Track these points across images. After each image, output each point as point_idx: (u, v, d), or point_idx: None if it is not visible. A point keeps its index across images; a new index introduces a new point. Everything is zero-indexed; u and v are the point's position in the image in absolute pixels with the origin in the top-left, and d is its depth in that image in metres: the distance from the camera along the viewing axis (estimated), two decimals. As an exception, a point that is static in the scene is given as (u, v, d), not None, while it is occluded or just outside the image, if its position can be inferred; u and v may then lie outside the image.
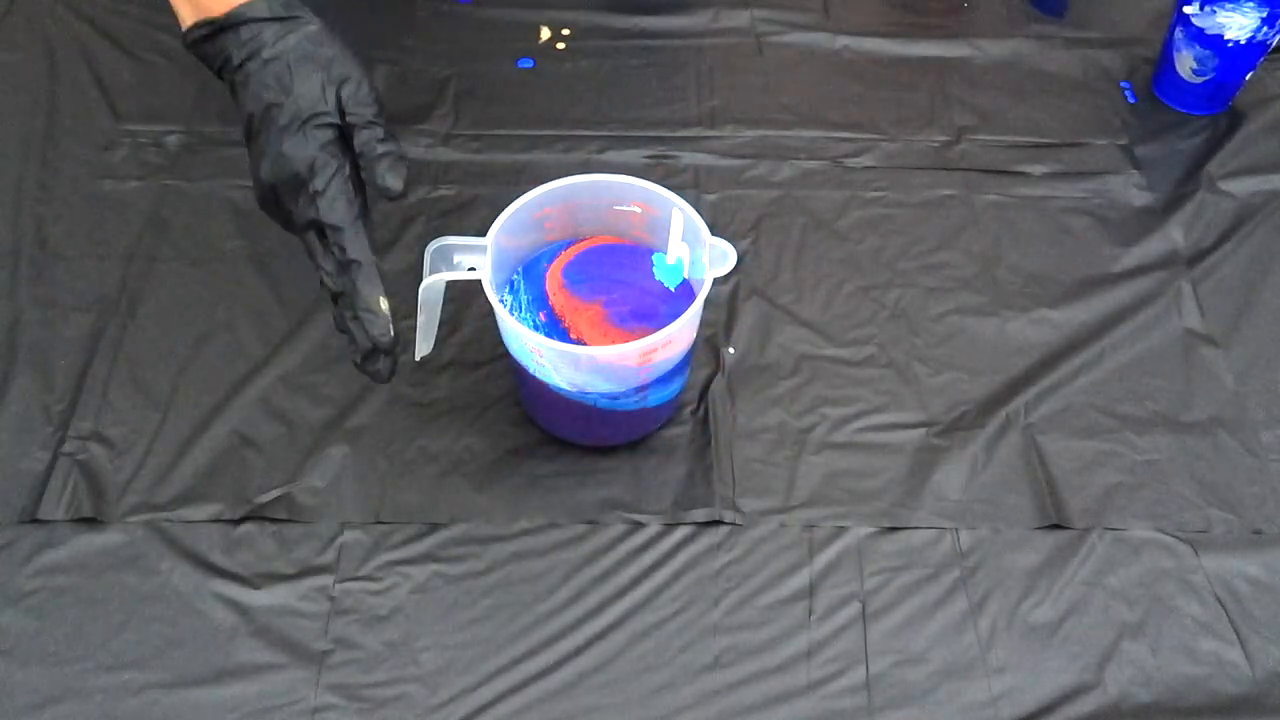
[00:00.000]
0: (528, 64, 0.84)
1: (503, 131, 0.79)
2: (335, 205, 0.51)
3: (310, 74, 0.51)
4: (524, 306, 0.60)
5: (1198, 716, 0.54)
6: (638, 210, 0.59)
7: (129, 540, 0.58)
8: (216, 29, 0.51)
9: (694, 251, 0.58)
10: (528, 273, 0.61)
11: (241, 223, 0.72)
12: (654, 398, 0.59)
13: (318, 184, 0.50)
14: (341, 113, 0.51)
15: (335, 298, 0.53)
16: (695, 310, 0.54)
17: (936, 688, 0.54)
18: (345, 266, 0.52)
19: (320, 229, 0.52)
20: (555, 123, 0.80)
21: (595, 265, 0.61)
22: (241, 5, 0.51)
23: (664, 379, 0.58)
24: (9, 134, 0.77)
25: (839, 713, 0.53)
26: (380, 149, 0.51)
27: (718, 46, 0.87)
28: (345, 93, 0.51)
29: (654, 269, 0.61)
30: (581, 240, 0.62)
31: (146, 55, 0.83)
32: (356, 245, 0.51)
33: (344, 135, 0.52)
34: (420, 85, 0.82)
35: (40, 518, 0.58)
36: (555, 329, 0.59)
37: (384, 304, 0.52)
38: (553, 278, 0.61)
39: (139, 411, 0.63)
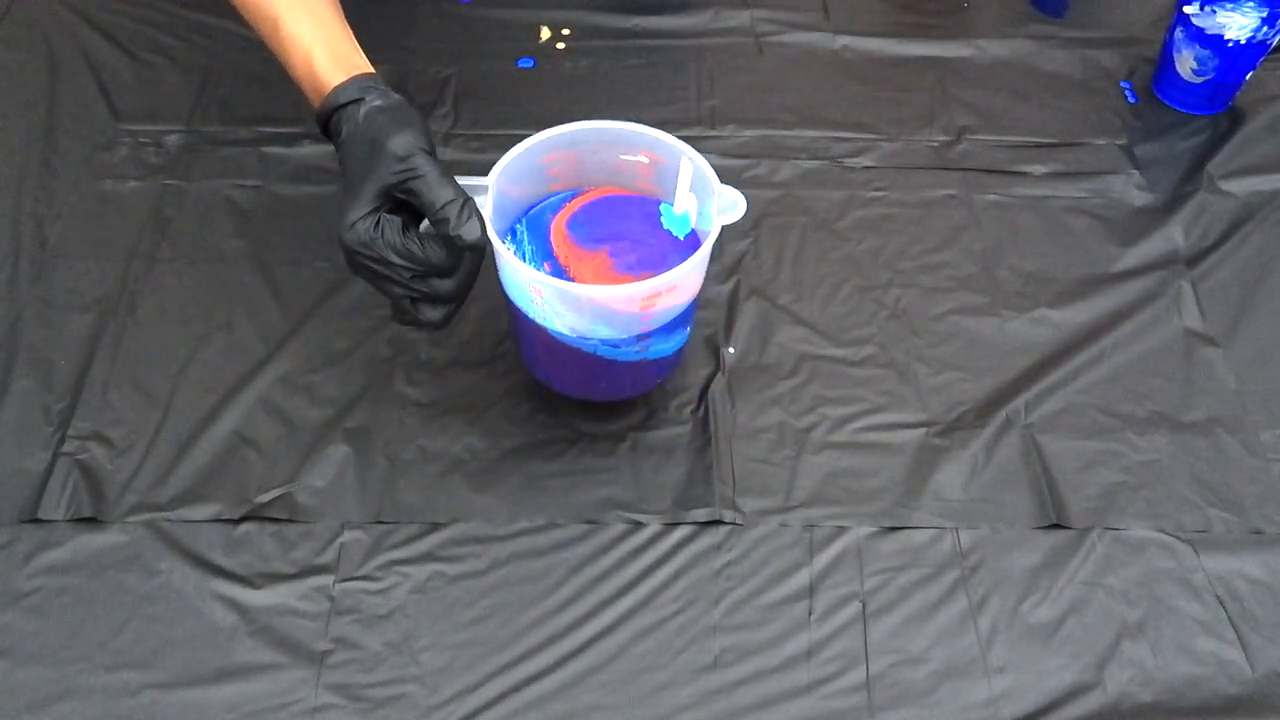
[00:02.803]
0: (528, 64, 0.84)
1: (503, 131, 0.79)
2: (420, 252, 0.52)
3: (367, 147, 0.52)
4: (527, 257, 0.59)
5: (1198, 716, 0.54)
6: (645, 160, 0.59)
7: (129, 540, 0.58)
8: (325, 119, 0.55)
9: (703, 203, 0.57)
10: (532, 224, 0.60)
11: (241, 223, 0.72)
12: (656, 349, 0.58)
13: (382, 251, 0.52)
14: (405, 168, 0.52)
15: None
16: (702, 256, 0.53)
17: (936, 688, 0.54)
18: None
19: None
20: (555, 123, 0.79)
21: (601, 216, 0.60)
22: (326, 98, 0.54)
23: (666, 329, 0.57)
24: (9, 134, 0.77)
25: (839, 713, 0.53)
26: (442, 199, 0.51)
27: (718, 46, 0.87)
28: (398, 146, 0.52)
29: (661, 219, 0.60)
30: (587, 191, 0.61)
31: (146, 55, 0.83)
32: (437, 254, 0.52)
33: (404, 195, 0.52)
34: (420, 85, 0.82)
35: (40, 518, 0.58)
36: (559, 278, 0.58)
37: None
38: (557, 227, 0.60)
39: (139, 411, 0.63)
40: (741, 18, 0.89)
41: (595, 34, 0.87)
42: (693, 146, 0.78)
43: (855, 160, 0.79)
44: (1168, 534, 0.60)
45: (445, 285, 0.53)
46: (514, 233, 0.60)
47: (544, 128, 0.79)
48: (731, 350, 0.67)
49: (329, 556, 0.58)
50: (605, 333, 0.55)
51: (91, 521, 0.58)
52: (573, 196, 0.61)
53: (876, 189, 0.77)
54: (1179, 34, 0.81)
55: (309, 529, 0.59)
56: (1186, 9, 0.79)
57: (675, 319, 0.57)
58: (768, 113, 0.82)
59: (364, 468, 0.61)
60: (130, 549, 0.57)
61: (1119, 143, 0.81)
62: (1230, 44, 0.78)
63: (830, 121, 0.81)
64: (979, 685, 0.55)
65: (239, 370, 0.65)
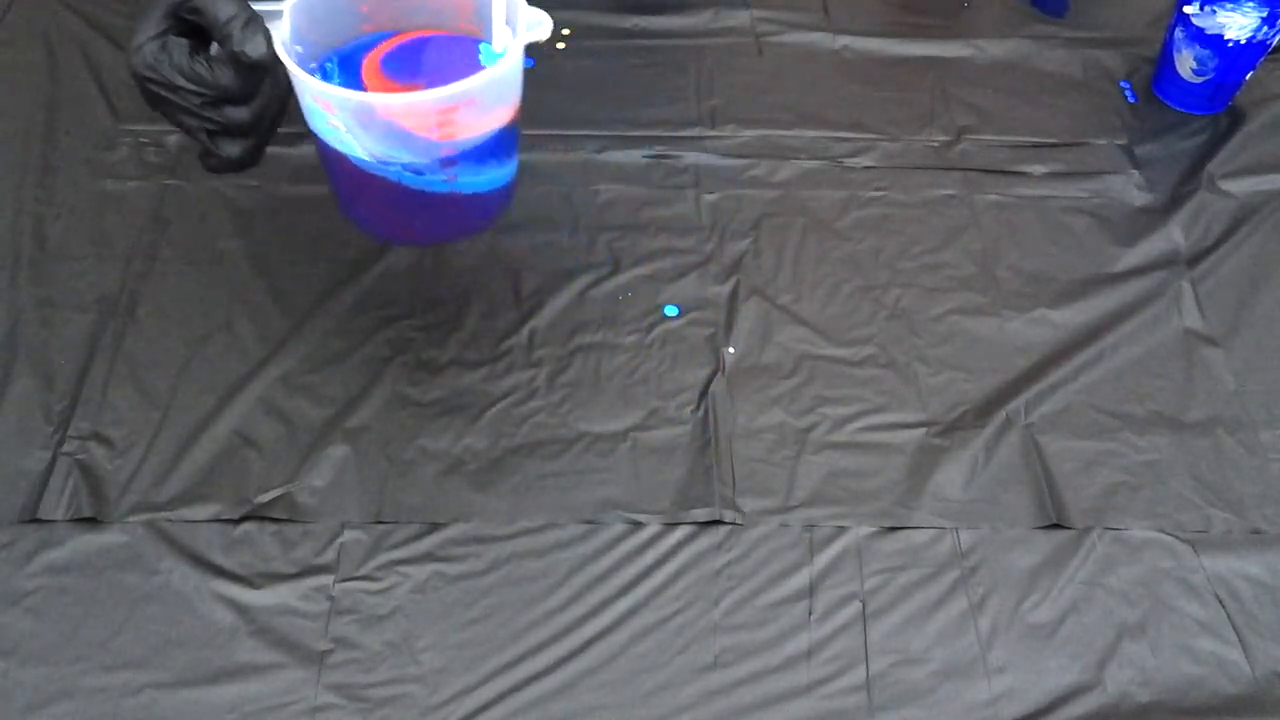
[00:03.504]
0: (528, 64, 0.84)
1: (503, 131, 0.79)
2: (206, 74, 0.50)
3: None
4: None
5: (1198, 716, 0.54)
6: None
7: (129, 540, 0.58)
8: None
9: (517, 35, 0.55)
10: (344, 63, 0.58)
11: (241, 223, 0.72)
12: (465, 183, 0.56)
13: (168, 74, 0.50)
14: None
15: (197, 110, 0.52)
16: (502, 71, 0.51)
17: (936, 688, 0.54)
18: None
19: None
20: (555, 123, 0.80)
21: (419, 55, 0.59)
22: None
23: (476, 159, 0.54)
24: (9, 134, 0.77)
25: (839, 713, 0.53)
26: (226, 14, 0.49)
27: (718, 46, 0.87)
28: None
29: (480, 57, 0.59)
30: (405, 32, 0.59)
31: (146, 55, 0.83)
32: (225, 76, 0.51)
33: (191, 15, 0.51)
34: (420, 85, 0.82)
35: (40, 518, 0.58)
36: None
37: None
38: (371, 63, 0.58)
39: (139, 411, 0.63)
40: (741, 18, 0.89)
41: (595, 34, 0.87)
42: (693, 146, 0.79)
43: (855, 160, 0.79)
44: (1168, 534, 0.60)
45: (240, 114, 0.51)
46: (324, 70, 0.57)
47: (546, 128, 0.80)
48: (731, 350, 0.67)
49: (329, 556, 0.58)
50: (406, 157, 0.53)
51: (91, 521, 0.58)
52: (388, 37, 0.59)
53: (876, 189, 0.77)
54: (1179, 34, 0.81)
55: (309, 529, 0.59)
56: (1186, 9, 0.79)
57: (485, 147, 0.55)
58: (768, 113, 0.82)
59: (364, 468, 0.61)
60: (130, 549, 0.57)
61: (1119, 143, 0.81)
62: (1230, 44, 0.78)
63: (830, 121, 0.81)
64: (979, 685, 0.55)
65: (239, 370, 0.65)
